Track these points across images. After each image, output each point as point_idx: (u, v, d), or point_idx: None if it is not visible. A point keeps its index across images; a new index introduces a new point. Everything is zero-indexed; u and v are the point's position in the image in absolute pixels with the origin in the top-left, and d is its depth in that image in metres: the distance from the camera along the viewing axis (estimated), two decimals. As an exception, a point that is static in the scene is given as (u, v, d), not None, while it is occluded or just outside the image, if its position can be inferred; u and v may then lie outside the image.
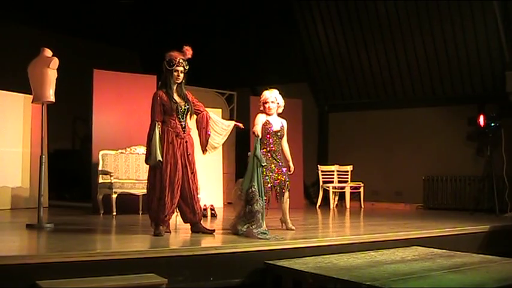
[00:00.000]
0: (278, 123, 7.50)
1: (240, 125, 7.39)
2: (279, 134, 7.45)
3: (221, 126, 7.16)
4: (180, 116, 6.79)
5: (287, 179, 7.44)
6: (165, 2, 14.49)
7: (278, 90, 7.67)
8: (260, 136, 7.17)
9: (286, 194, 7.47)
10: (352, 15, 12.73)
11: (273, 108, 7.49)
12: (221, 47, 14.90)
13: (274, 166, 7.37)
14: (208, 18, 14.85)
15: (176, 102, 6.75)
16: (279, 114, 7.61)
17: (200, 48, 15.27)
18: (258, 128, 7.25)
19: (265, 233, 6.61)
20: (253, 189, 6.81)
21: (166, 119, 6.71)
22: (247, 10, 14.10)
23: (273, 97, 7.52)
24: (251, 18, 14.24)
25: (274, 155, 7.40)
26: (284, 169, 7.43)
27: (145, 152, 6.83)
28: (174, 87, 6.82)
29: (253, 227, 6.71)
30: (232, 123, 7.35)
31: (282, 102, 7.58)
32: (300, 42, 13.86)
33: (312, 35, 13.54)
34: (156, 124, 6.62)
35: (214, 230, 7.04)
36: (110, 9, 14.50)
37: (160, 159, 6.53)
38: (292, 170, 7.62)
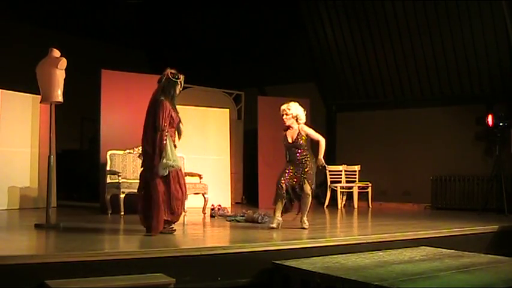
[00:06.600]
0: (293, 135, 7.72)
1: None
2: (293, 146, 7.71)
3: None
4: (178, 127, 6.88)
5: (301, 183, 7.60)
6: (173, 2, 14.51)
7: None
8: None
9: (308, 198, 7.64)
10: (360, 15, 12.70)
11: (286, 120, 7.74)
12: (229, 47, 14.90)
13: (291, 172, 7.66)
14: (216, 19, 14.86)
15: (178, 114, 6.84)
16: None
17: (208, 48, 15.43)
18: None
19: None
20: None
21: (169, 129, 6.74)
22: (255, 10, 14.08)
23: (284, 110, 7.76)
24: (259, 18, 14.23)
25: (291, 165, 7.69)
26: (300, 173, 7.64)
27: (154, 160, 6.64)
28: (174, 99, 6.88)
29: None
30: None
31: (295, 112, 7.74)
32: (307, 42, 13.84)
33: (319, 34, 13.51)
34: (168, 135, 6.65)
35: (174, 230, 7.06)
36: (117, 9, 14.54)
37: (176, 165, 6.64)
38: (321, 163, 7.76)
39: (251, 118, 13.17)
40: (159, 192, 6.61)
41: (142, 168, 6.98)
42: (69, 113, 11.90)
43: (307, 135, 7.73)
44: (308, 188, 7.59)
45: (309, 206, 7.70)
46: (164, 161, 6.54)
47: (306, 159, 7.67)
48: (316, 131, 7.90)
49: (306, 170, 7.62)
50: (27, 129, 10.68)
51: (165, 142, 6.58)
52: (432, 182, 12.45)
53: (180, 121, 6.90)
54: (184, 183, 6.93)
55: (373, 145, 13.28)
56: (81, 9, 14.11)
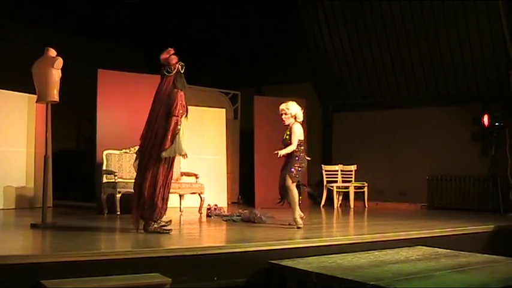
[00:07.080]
0: (287, 132, 7.85)
1: None
2: (285, 143, 7.81)
3: None
4: (183, 118, 6.95)
5: (284, 177, 7.72)
6: (170, 1, 14.50)
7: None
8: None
9: (289, 193, 7.71)
10: (357, 16, 12.71)
11: (285, 120, 7.87)
12: (225, 46, 14.91)
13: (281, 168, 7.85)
14: (213, 18, 14.86)
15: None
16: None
17: (204, 47, 15.41)
18: None
19: None
20: None
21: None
22: (252, 10, 14.08)
23: (283, 109, 7.88)
24: (256, 18, 14.22)
25: (285, 160, 7.83)
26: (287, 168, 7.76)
27: (163, 145, 6.75)
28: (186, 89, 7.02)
29: None
30: None
31: (294, 111, 7.85)
32: (304, 42, 13.85)
33: (316, 34, 13.52)
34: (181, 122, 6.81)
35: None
36: (114, 8, 14.52)
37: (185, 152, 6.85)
38: (276, 152, 7.75)
39: (247, 118, 13.17)
40: (163, 177, 6.75)
41: (137, 162, 6.98)
42: (66, 112, 11.85)
43: (291, 133, 7.79)
44: (289, 182, 7.66)
45: (296, 202, 7.72)
46: (177, 145, 6.70)
47: (294, 154, 7.74)
48: (306, 137, 8.01)
49: (292, 164, 7.70)
50: (23, 128, 10.65)
51: (179, 127, 6.76)
52: (428, 182, 12.48)
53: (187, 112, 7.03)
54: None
55: (369, 145, 13.30)
56: (78, 8, 14.09)
